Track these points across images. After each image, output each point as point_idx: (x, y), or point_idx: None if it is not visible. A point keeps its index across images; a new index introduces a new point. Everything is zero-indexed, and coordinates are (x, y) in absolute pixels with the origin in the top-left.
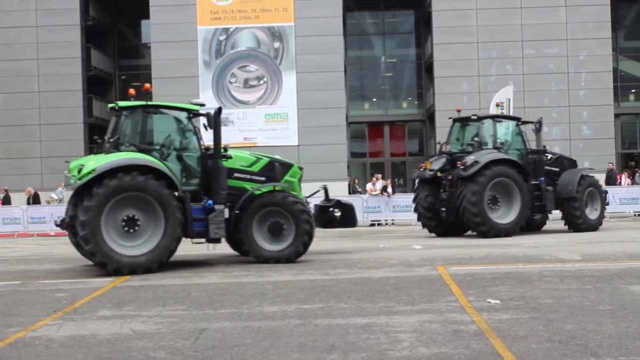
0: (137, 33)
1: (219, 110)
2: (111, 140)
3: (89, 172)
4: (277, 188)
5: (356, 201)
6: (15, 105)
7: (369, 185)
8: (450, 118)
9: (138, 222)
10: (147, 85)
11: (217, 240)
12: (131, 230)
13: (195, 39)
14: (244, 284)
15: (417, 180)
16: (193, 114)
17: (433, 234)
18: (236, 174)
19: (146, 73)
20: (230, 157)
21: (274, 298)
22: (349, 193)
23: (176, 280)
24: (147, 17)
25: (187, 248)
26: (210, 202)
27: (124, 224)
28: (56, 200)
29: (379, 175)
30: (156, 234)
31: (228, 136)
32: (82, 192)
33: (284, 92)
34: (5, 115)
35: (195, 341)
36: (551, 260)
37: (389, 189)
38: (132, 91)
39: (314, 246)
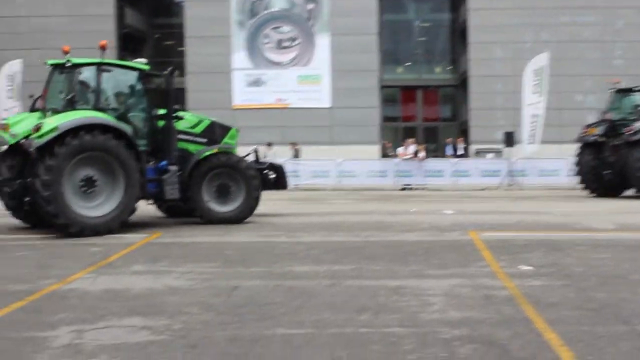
0: None
1: (172, 71)
2: (67, 97)
3: (51, 130)
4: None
5: (388, 165)
6: None
7: (400, 149)
8: (611, 89)
9: (96, 183)
10: (103, 42)
11: (170, 201)
12: (89, 191)
13: None
14: (275, 243)
15: (580, 145)
16: (146, 74)
17: (593, 194)
18: (180, 136)
19: (179, 32)
20: (182, 119)
21: (305, 258)
22: (381, 157)
23: (208, 238)
24: None
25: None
26: (164, 162)
27: (82, 184)
28: None
29: (411, 140)
30: (115, 194)
31: (261, 97)
32: (42, 151)
33: (316, 54)
34: (38, 72)
35: (227, 298)
36: (584, 228)
37: (421, 154)
38: (66, 48)
39: (343, 208)
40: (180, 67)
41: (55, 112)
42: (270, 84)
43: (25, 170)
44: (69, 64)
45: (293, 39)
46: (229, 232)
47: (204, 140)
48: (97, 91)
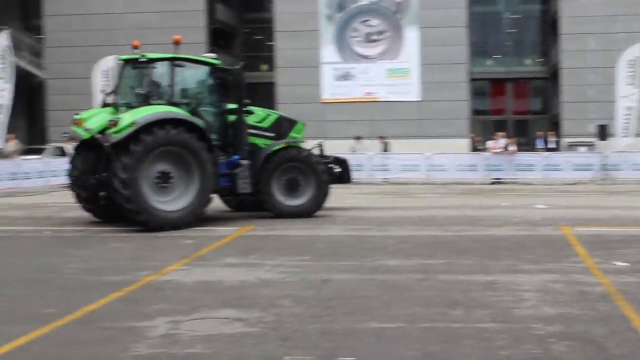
0: None
1: (242, 66)
2: (142, 93)
3: (128, 126)
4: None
5: (478, 159)
6: None
7: (490, 143)
8: None
9: (171, 177)
10: (177, 37)
11: (243, 195)
12: (165, 186)
13: None
14: (366, 237)
15: None
16: (217, 69)
17: None
18: (249, 130)
19: (269, 27)
20: (252, 113)
21: (396, 252)
22: (471, 150)
23: (299, 231)
24: None
25: None
26: (237, 157)
27: (158, 179)
28: None
29: (502, 133)
30: (190, 189)
31: (350, 91)
32: (119, 146)
33: (405, 47)
34: None
35: (319, 291)
36: None
37: (512, 147)
38: (136, 43)
39: (433, 202)
40: (270, 62)
41: (129, 107)
42: (359, 78)
43: (98, 165)
44: (143, 59)
45: (382, 33)
46: (320, 226)
47: (272, 134)
48: (171, 86)
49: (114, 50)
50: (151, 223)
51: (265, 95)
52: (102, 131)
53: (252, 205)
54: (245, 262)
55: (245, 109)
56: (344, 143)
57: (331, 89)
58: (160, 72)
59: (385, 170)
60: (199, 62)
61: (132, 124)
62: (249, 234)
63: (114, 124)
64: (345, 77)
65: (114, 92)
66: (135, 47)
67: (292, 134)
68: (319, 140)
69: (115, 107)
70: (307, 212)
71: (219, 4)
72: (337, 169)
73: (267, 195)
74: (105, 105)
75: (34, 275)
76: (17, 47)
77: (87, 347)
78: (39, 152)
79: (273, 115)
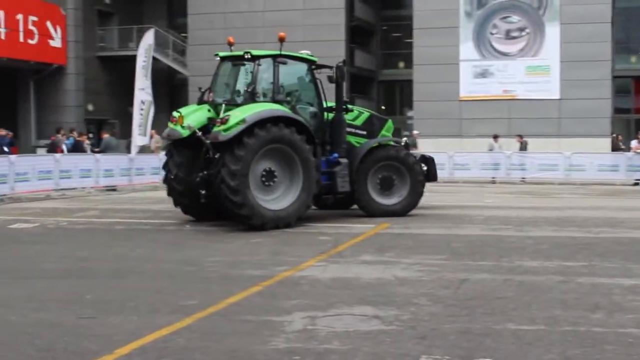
0: None
1: (343, 63)
2: (248, 90)
3: (238, 123)
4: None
5: (620, 158)
6: None
7: (634, 143)
8: None
9: (275, 176)
10: (282, 34)
11: (342, 194)
12: (268, 184)
13: None
14: (503, 237)
15: None
16: (316, 66)
17: None
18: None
19: (406, 24)
20: (351, 111)
21: (534, 253)
22: (612, 150)
23: (436, 230)
24: None
25: None
26: (336, 155)
27: (263, 177)
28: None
29: None
30: (292, 187)
31: (487, 88)
32: (230, 144)
33: (546, 44)
34: None
35: (456, 290)
36: None
37: None
38: (231, 39)
39: (572, 202)
40: (407, 59)
41: (228, 104)
42: (497, 75)
43: (195, 163)
44: (248, 56)
45: (522, 29)
46: (457, 225)
47: (364, 132)
48: (274, 83)
49: (254, 47)
50: (253, 219)
51: (401, 92)
52: (202, 128)
53: (335, 203)
54: (381, 260)
55: (344, 107)
56: (481, 141)
57: (469, 87)
58: (264, 68)
59: (522, 169)
60: (300, 58)
61: (242, 120)
62: (384, 231)
63: (224, 121)
64: (483, 74)
65: (210, 89)
66: (230, 44)
67: (383, 132)
68: (404, 138)
69: (212, 104)
70: (402, 212)
71: (358, 1)
72: (423, 167)
73: (363, 194)
74: (201, 102)
75: (177, 267)
76: (162, 44)
77: (227, 339)
78: None
79: (365, 114)
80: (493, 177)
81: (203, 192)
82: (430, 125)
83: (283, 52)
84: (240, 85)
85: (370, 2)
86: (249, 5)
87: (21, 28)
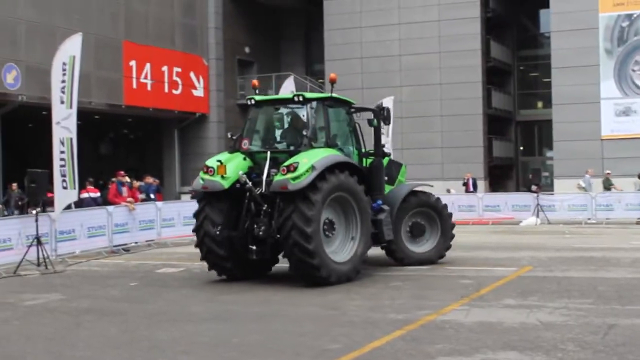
0: (536, 23)
1: (380, 106)
2: (305, 135)
3: (307, 170)
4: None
5: None
6: (418, 97)
7: None
8: None
9: (334, 227)
10: (333, 75)
11: (388, 242)
12: (328, 235)
13: (596, 26)
14: None
15: None
16: (355, 109)
17: None
18: None
19: (544, 63)
20: (389, 155)
21: None
22: None
23: (581, 273)
24: (546, 6)
25: None
26: (379, 202)
27: (324, 227)
28: (582, 188)
29: None
30: (348, 240)
31: (630, 126)
32: (299, 192)
33: None
34: (409, 108)
35: (604, 336)
36: None
37: None
38: (255, 82)
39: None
40: (544, 99)
41: (273, 152)
42: None
43: (233, 215)
44: (300, 99)
45: None
46: (603, 267)
47: (385, 177)
48: (327, 127)
49: (390, 91)
50: (323, 271)
51: (540, 132)
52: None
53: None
54: (525, 304)
55: (383, 151)
56: (626, 180)
57: (610, 125)
58: (315, 112)
59: None
60: (343, 101)
61: (312, 168)
62: (526, 274)
63: (292, 169)
64: (626, 112)
65: (241, 135)
66: (255, 87)
67: (400, 177)
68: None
69: (247, 152)
70: (435, 259)
71: (494, 42)
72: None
73: (398, 243)
74: (234, 150)
75: (319, 310)
76: (300, 90)
77: None
78: None
79: (385, 158)
80: (638, 218)
81: (254, 247)
82: (571, 165)
83: (333, 95)
84: (285, 131)
85: (507, 43)
86: (385, 49)
87: (166, 79)
